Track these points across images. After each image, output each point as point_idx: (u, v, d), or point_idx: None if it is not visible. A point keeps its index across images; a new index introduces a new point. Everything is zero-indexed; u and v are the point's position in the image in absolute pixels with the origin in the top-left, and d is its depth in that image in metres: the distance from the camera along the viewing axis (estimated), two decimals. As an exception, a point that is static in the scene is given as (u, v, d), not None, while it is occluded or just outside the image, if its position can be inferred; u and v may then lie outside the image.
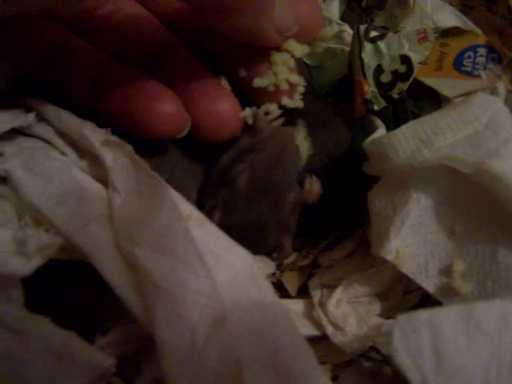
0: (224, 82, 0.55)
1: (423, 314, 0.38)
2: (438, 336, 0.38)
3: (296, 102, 0.56)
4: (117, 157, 0.47)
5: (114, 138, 0.48)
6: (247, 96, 0.57)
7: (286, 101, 0.56)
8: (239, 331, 0.39)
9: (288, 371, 0.38)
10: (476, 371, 0.37)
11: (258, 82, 0.54)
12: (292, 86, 0.55)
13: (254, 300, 0.41)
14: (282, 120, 0.57)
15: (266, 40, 0.50)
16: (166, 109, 0.51)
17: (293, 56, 0.55)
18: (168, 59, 0.55)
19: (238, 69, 0.55)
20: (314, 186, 0.58)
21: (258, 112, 0.56)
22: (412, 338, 0.38)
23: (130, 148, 0.47)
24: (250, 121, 0.56)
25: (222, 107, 0.54)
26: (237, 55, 0.55)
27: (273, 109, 0.56)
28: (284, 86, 0.54)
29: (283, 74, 0.54)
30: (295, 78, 0.55)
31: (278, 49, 0.54)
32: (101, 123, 0.50)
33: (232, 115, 0.54)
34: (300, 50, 0.54)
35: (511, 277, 0.44)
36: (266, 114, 0.56)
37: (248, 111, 0.56)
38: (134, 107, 0.51)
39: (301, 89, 0.56)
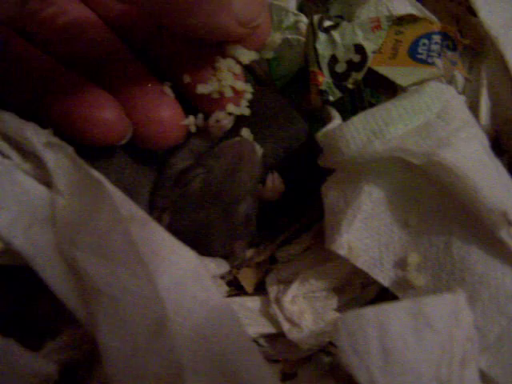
0: (167, 89, 0.54)
1: (370, 311, 0.37)
2: (385, 333, 0.37)
3: (242, 110, 0.55)
4: (59, 158, 0.46)
5: (55, 140, 0.47)
6: (192, 103, 0.56)
7: (231, 108, 0.54)
8: (183, 333, 0.38)
9: (234, 373, 0.37)
10: (426, 368, 0.37)
11: (201, 89, 0.53)
12: (238, 93, 0.54)
13: (199, 301, 0.40)
14: (232, 123, 0.56)
15: (227, 34, 0.49)
16: (106, 116, 0.49)
17: (239, 62, 0.54)
18: (111, 64, 0.53)
19: (182, 75, 0.53)
20: (276, 183, 0.58)
21: (209, 120, 0.55)
22: (359, 336, 0.37)
23: (70, 149, 0.46)
24: (193, 129, 0.55)
25: (164, 115, 0.53)
26: (181, 61, 0.54)
27: (223, 117, 0.55)
28: (228, 93, 0.53)
29: (228, 81, 0.53)
30: (241, 85, 0.54)
31: (224, 55, 0.53)
32: (44, 125, 0.48)
33: (174, 123, 0.53)
34: (247, 56, 0.53)
35: (465, 269, 0.44)
36: (217, 121, 0.55)
37: (191, 119, 0.55)
38: (74, 113, 0.49)
39: (248, 96, 0.55)
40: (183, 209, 0.54)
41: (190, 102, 0.56)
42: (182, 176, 0.56)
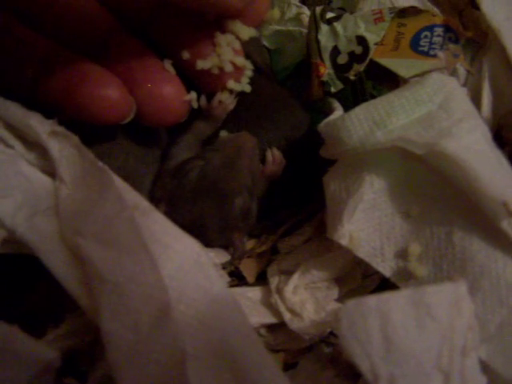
0: (168, 66, 0.53)
1: (372, 300, 0.38)
2: (387, 322, 0.37)
3: (244, 86, 0.55)
4: (63, 148, 0.46)
5: (60, 129, 0.47)
6: (192, 80, 0.55)
7: (232, 84, 0.54)
8: (186, 320, 0.39)
9: (235, 360, 0.38)
10: (427, 357, 0.37)
11: (200, 64, 0.52)
12: (238, 69, 0.54)
13: (202, 289, 0.40)
14: (234, 104, 0.57)
15: (224, 8, 0.49)
16: (109, 94, 0.49)
17: (238, 38, 0.53)
18: (111, 43, 0.53)
19: (182, 51, 0.53)
20: (276, 156, 0.58)
21: (212, 101, 0.55)
22: (360, 325, 0.37)
23: (76, 139, 0.46)
24: (195, 105, 0.55)
25: (167, 91, 0.52)
26: (180, 37, 0.53)
27: (225, 97, 0.55)
28: (228, 68, 0.53)
29: (227, 56, 0.52)
30: (241, 61, 0.54)
31: (223, 30, 0.53)
32: (48, 114, 0.48)
33: (176, 99, 0.53)
34: (246, 32, 0.53)
35: (467, 259, 0.44)
36: (220, 102, 0.56)
37: (193, 94, 0.54)
38: (77, 93, 0.49)
39: (249, 73, 0.55)
40: (178, 199, 0.55)
41: (190, 82, 0.55)
42: (181, 167, 0.56)
